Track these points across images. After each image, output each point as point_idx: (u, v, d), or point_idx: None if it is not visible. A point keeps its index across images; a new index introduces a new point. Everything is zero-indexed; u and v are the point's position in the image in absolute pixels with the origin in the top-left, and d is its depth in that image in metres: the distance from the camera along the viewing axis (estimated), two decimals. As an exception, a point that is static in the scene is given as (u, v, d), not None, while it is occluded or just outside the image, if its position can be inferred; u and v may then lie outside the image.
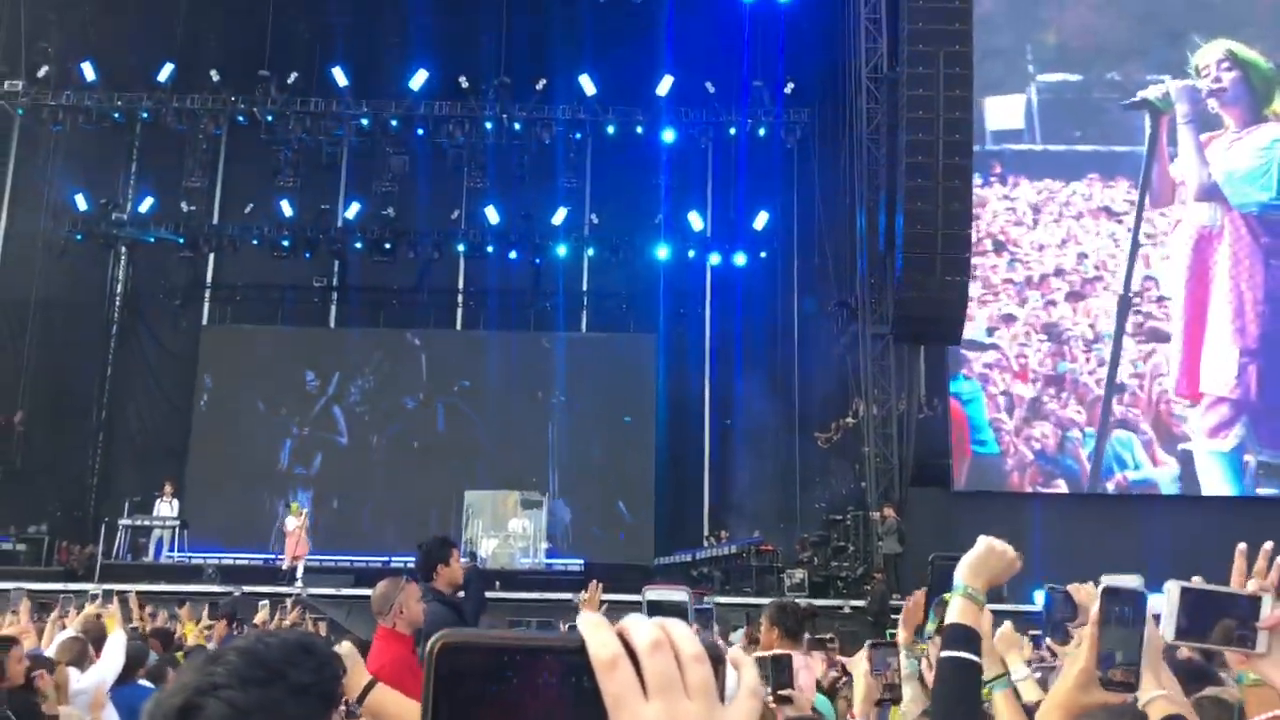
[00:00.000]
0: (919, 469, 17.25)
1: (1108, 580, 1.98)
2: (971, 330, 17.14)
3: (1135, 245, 17.84)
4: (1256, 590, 1.74)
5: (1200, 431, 17.19)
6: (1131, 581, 1.99)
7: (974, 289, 16.75)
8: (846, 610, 15.17)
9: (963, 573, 2.08)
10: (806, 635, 4.77)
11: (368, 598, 4.95)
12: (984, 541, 2.13)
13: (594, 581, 4.93)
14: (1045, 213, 18.28)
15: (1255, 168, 17.66)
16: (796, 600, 4.45)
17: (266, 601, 11.55)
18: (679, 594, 2.20)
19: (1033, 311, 18.14)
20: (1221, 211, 17.61)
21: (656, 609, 2.18)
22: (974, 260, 16.52)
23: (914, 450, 17.15)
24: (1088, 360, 17.78)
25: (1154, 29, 18.28)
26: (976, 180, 16.93)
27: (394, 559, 18.44)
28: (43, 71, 21.08)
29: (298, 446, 24.02)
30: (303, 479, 23.55)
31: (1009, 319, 18.17)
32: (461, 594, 14.66)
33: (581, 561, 19.91)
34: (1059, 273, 18.18)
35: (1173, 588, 1.78)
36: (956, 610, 2.06)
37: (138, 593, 10.94)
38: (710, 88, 21.24)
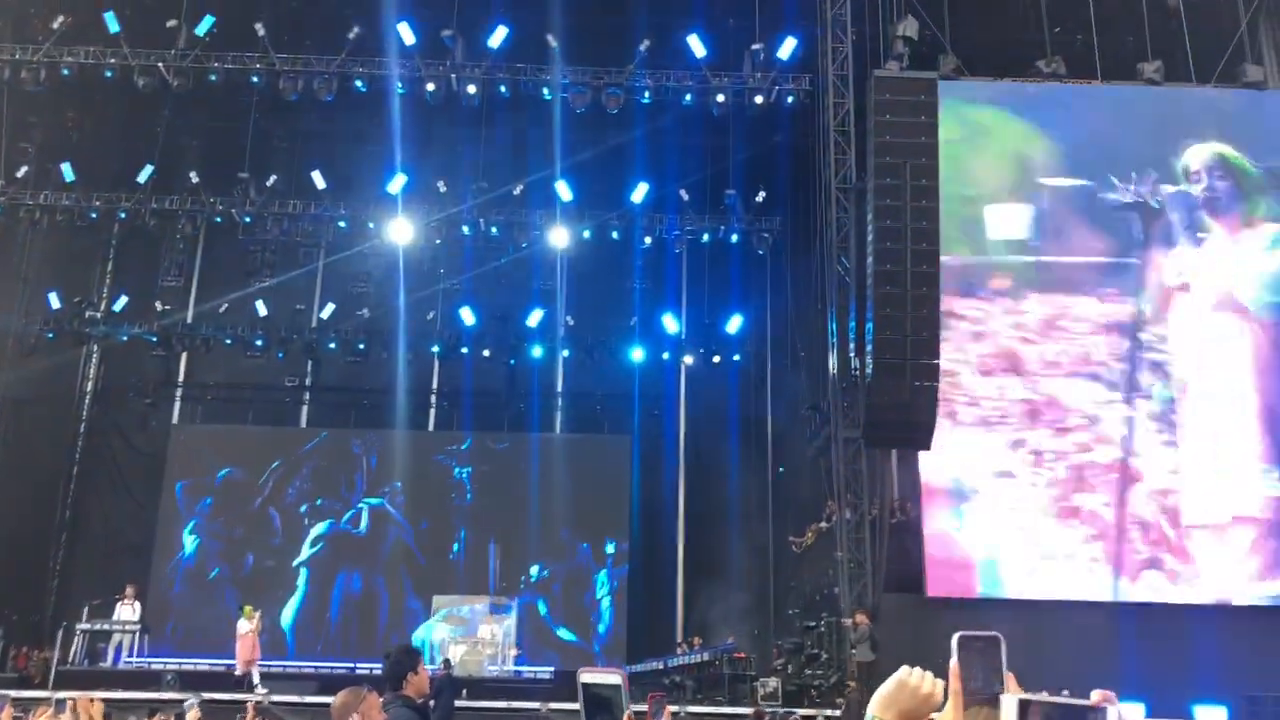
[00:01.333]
0: (892, 574, 17.15)
1: (961, 632, 1.95)
2: (984, 455, 16.71)
3: (1137, 356, 17.34)
4: (1100, 701, 1.68)
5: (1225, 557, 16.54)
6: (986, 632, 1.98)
7: (979, 411, 16.66)
8: (820, 720, 14.90)
9: (874, 703, 1.98)
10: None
11: (326, 705, 4.84)
12: (901, 672, 2.00)
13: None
14: (1055, 328, 17.57)
15: (1266, 270, 17.52)
16: (775, 711, 4.36)
17: (194, 702, 11.26)
18: (613, 677, 2.17)
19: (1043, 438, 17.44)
20: (1238, 318, 17.38)
21: (590, 692, 2.16)
22: (984, 379, 16.47)
23: (887, 555, 17.06)
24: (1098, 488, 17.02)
25: (1158, 133, 18.33)
26: (979, 294, 16.91)
27: (359, 665, 18.04)
28: (21, 171, 21.25)
29: (261, 549, 23.63)
30: (267, 583, 23.10)
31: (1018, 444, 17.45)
32: (431, 701, 14.31)
33: (551, 669, 19.54)
34: (1069, 392, 17.42)
35: (1009, 702, 1.69)
36: None
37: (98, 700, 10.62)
38: (684, 195, 21.68)
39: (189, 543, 23.41)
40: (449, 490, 23.88)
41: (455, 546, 23.44)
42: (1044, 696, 1.73)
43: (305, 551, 23.44)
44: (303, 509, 23.82)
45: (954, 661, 1.84)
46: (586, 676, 2.14)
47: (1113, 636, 14.96)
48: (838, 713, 14.81)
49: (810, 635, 17.65)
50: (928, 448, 16.36)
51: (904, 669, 1.97)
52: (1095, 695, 1.72)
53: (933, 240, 15.78)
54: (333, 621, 22.67)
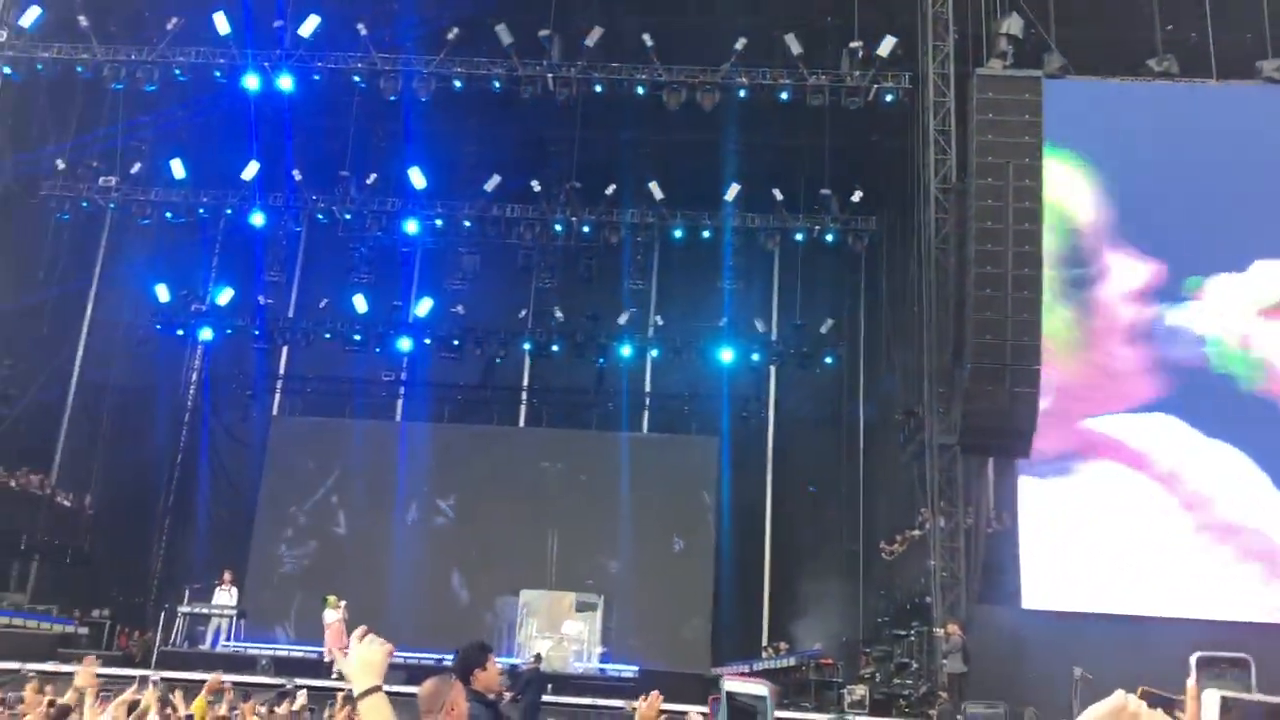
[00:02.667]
0: (986, 585, 16.72)
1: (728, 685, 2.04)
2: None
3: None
4: None
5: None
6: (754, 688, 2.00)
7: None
8: (910, 731, 14.58)
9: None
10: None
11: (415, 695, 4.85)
12: (1118, 698, 1.86)
13: (655, 693, 4.73)
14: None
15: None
16: None
17: (300, 687, 11.44)
18: (759, 688, 2.05)
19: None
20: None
21: (734, 702, 2.04)
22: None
23: (981, 565, 16.64)
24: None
25: None
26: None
27: (446, 657, 18.23)
28: (135, 168, 22.01)
29: (355, 539, 24.09)
30: (360, 572, 23.52)
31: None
32: (519, 695, 14.34)
33: (636, 668, 19.52)
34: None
35: (1211, 697, 1.60)
36: None
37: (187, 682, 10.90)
38: (778, 194, 21.44)
39: (283, 532, 23.99)
40: (534, 487, 24.02)
41: (539, 542, 23.55)
42: (1251, 695, 1.61)
43: (392, 541, 23.82)
44: (391, 500, 24.20)
45: (1191, 682, 1.72)
46: (731, 685, 2.05)
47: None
48: (928, 724, 14.48)
49: (900, 644, 17.32)
50: (1027, 455, 15.91)
51: (1121, 693, 1.81)
52: None
53: (1035, 243, 15.37)
54: (410, 611, 22.89)
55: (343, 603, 17.88)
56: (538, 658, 16.50)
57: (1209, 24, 17.59)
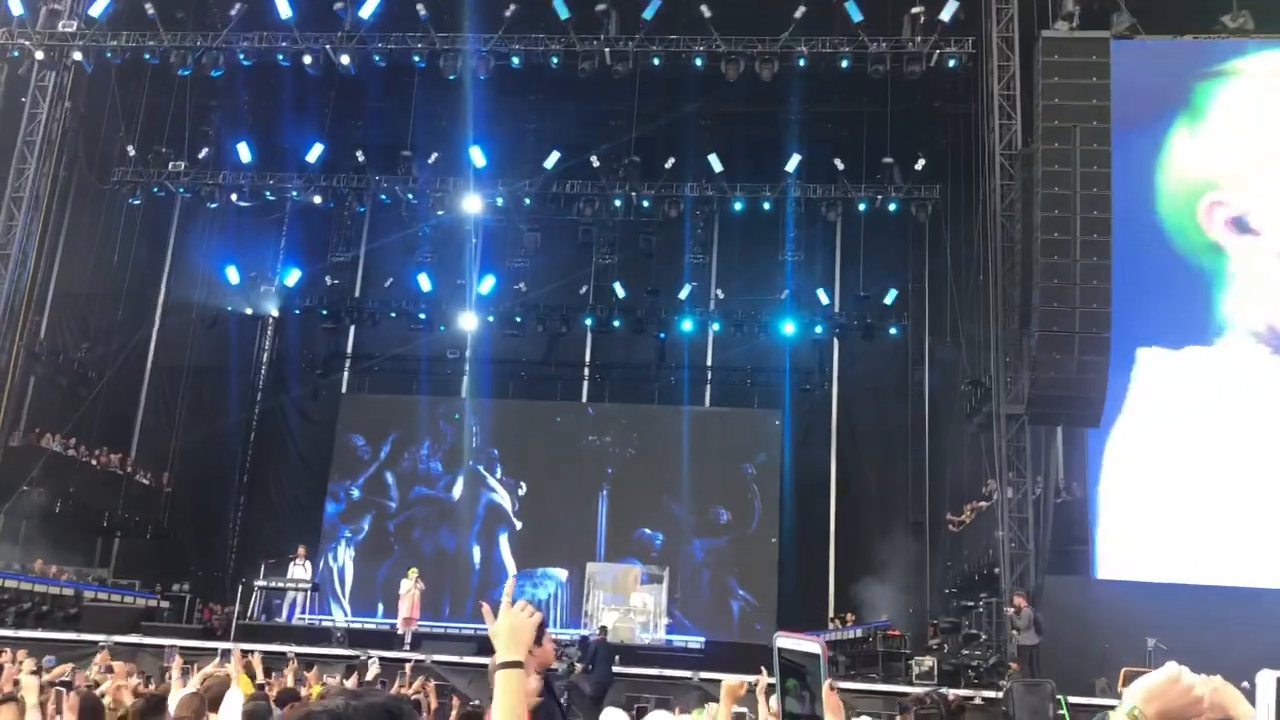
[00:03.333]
0: (1056, 555, 16.51)
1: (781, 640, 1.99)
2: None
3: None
4: None
5: None
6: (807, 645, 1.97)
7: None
8: (978, 701, 14.48)
9: (1136, 692, 1.81)
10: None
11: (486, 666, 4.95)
12: (1172, 669, 1.84)
13: (747, 680, 4.64)
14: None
15: None
16: (943, 691, 4.15)
17: (374, 657, 11.70)
18: (813, 645, 2.02)
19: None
20: None
21: (785, 659, 2.02)
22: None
23: (1051, 536, 16.43)
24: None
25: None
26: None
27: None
28: (203, 153, 22.44)
29: (428, 514, 24.48)
30: (426, 545, 23.92)
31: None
32: (590, 666, 14.50)
33: (702, 639, 19.62)
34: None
35: (1267, 679, 1.59)
36: None
37: (265, 654, 11.20)
38: (839, 164, 21.21)
39: (352, 509, 24.49)
40: (597, 461, 24.17)
41: (602, 516, 23.71)
42: None
43: (456, 516, 24.17)
44: (456, 475, 24.54)
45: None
46: (783, 641, 2.01)
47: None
48: (997, 694, 14.37)
49: (969, 615, 17.20)
50: (1097, 425, 15.68)
51: (1173, 665, 1.79)
52: None
53: (1104, 208, 15.06)
54: (470, 584, 23.22)
55: (413, 572, 18.20)
56: (604, 629, 16.66)
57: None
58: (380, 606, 22.78)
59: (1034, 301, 15.40)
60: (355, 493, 24.55)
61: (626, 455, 24.18)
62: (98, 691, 6.83)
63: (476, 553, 23.83)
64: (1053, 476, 17.44)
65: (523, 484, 24.33)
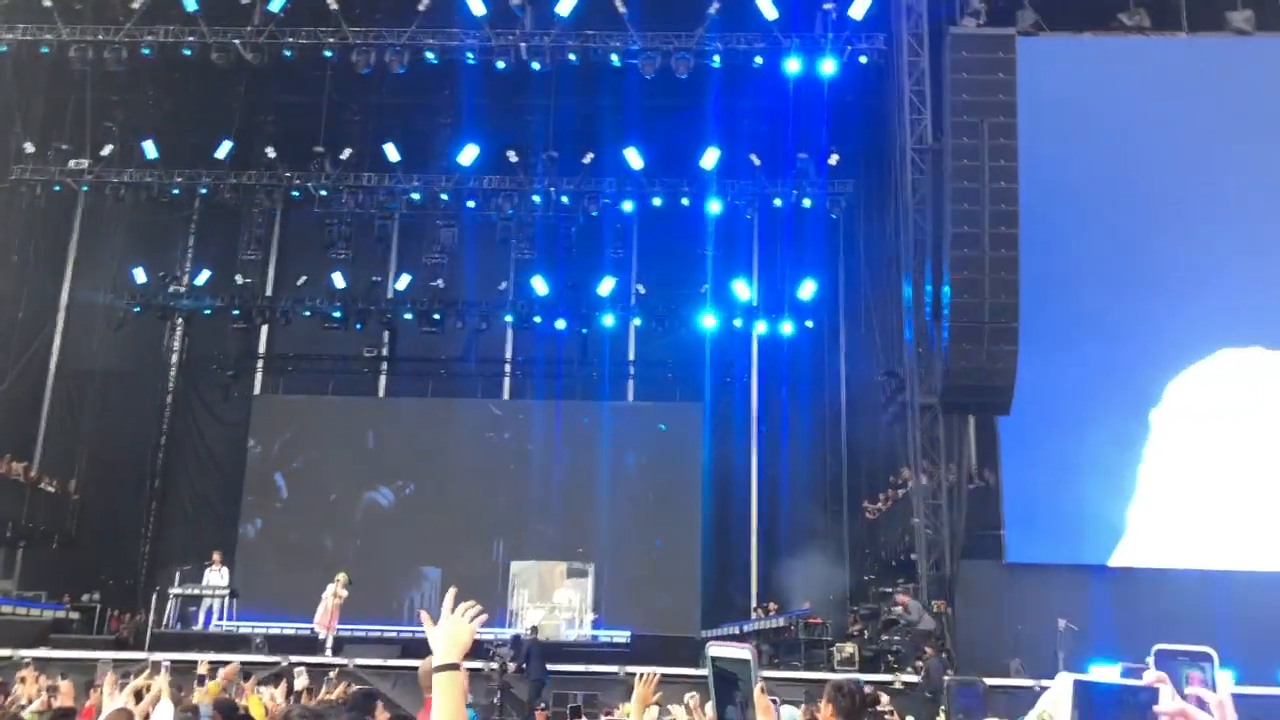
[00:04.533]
0: (970, 541, 16.95)
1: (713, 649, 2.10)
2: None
3: None
4: (1154, 681, 1.65)
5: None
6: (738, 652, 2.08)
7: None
8: (898, 685, 14.81)
9: (1044, 700, 1.94)
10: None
11: (413, 669, 4.94)
12: (1066, 678, 1.94)
13: (654, 673, 4.76)
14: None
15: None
16: (857, 680, 4.28)
17: (300, 668, 11.53)
18: (743, 652, 2.09)
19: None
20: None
21: (718, 667, 2.08)
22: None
23: (965, 522, 16.86)
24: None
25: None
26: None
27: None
28: (106, 150, 21.77)
29: (340, 517, 24.15)
30: (348, 549, 23.60)
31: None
32: (523, 665, 14.45)
33: (628, 633, 19.71)
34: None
35: (1063, 681, 1.67)
36: None
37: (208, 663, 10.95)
38: (755, 160, 21.44)
39: (268, 510, 24.06)
40: (520, 458, 24.10)
41: (525, 513, 23.65)
42: (1097, 677, 1.68)
43: (376, 518, 23.89)
44: (375, 476, 24.26)
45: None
46: (715, 650, 2.07)
47: (1207, 605, 14.62)
48: (916, 678, 14.72)
49: (887, 601, 17.54)
50: (1007, 413, 16.10)
51: (1067, 675, 1.88)
52: (1148, 675, 1.67)
53: (1012, 201, 15.44)
54: (398, 586, 23.05)
55: (341, 577, 17.90)
56: (534, 629, 16.63)
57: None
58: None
59: (945, 294, 15.75)
60: (284, 496, 24.15)
61: (550, 451, 24.11)
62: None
63: (416, 556, 23.51)
64: (965, 464, 17.87)
65: (445, 481, 24.12)
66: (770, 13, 18.69)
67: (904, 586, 16.38)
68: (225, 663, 8.29)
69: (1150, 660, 1.76)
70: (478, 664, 13.97)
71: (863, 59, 18.78)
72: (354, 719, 5.49)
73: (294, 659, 14.42)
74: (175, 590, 18.60)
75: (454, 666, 2.50)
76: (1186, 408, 16.75)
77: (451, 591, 2.56)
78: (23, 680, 9.19)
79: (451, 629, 2.54)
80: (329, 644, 17.00)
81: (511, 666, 14.83)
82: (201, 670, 7.34)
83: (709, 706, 2.20)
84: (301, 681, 10.43)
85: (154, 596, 18.63)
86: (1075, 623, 14.60)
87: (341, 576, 17.93)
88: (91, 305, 23.08)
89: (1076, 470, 16.66)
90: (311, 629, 17.97)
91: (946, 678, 14.05)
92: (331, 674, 13.23)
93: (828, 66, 18.92)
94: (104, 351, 23.05)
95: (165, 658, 8.52)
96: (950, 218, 15.65)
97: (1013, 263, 15.34)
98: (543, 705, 14.04)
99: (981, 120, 15.68)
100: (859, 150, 21.27)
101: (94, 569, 21.99)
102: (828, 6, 18.86)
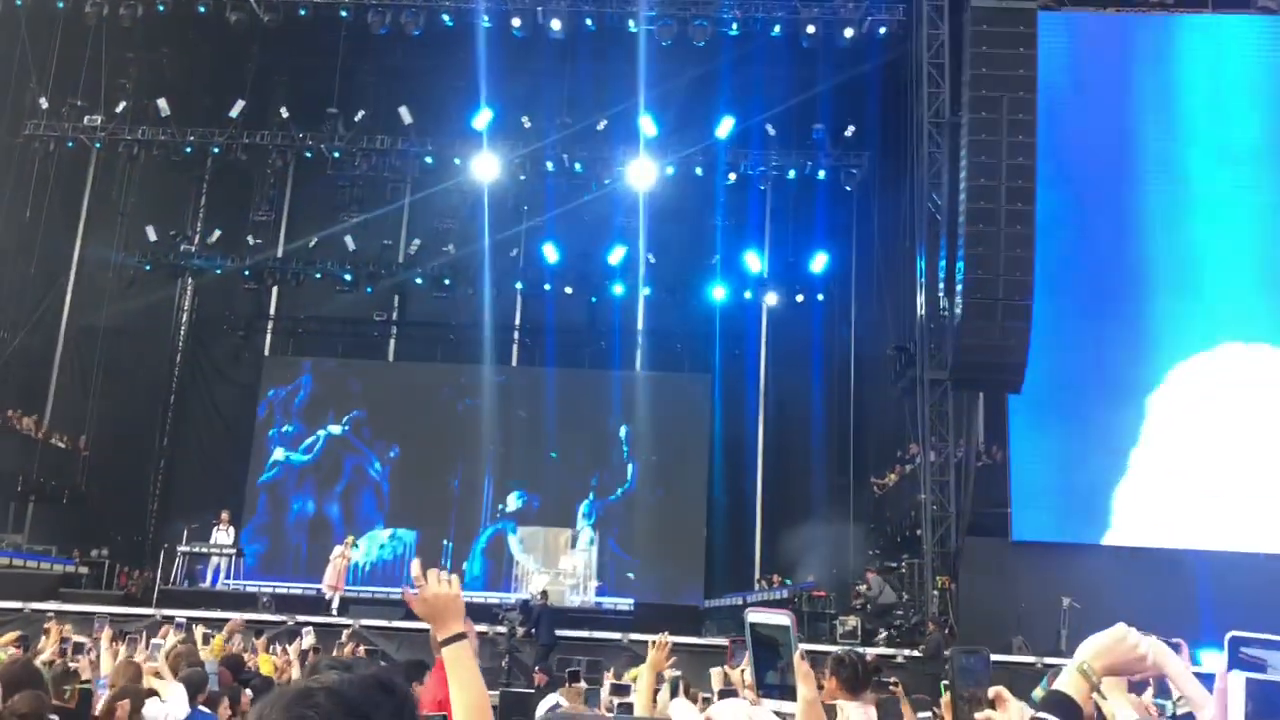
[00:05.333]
0: (977, 518, 16.95)
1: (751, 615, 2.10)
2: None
3: None
4: None
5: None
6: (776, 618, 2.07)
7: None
8: (899, 659, 14.87)
9: (1087, 649, 1.94)
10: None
11: (419, 631, 4.95)
12: (1120, 629, 1.95)
13: (665, 639, 4.76)
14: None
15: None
16: (860, 651, 4.28)
17: (309, 628, 11.60)
18: (783, 618, 2.10)
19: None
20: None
21: (757, 633, 2.08)
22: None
23: (972, 499, 16.85)
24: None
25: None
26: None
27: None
28: (120, 107, 21.69)
29: (353, 479, 24.22)
30: (355, 510, 23.71)
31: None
32: (533, 630, 14.57)
33: (632, 601, 19.79)
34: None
35: (1236, 680, 1.57)
36: (1067, 680, 1.94)
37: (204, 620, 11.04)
38: (770, 130, 21.27)
39: (274, 471, 24.15)
40: (529, 424, 24.09)
41: (531, 478, 23.68)
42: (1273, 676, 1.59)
43: (383, 480, 23.97)
44: (383, 439, 24.30)
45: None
46: (755, 616, 2.08)
47: (1208, 585, 14.63)
48: (917, 653, 14.77)
49: (892, 576, 17.59)
50: (1018, 390, 16.05)
51: (1121, 626, 1.94)
52: None
53: (1029, 177, 15.34)
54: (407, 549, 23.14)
55: (348, 540, 18.03)
56: (544, 594, 16.70)
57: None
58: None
59: (959, 269, 15.67)
60: (292, 458, 24.20)
61: (559, 419, 24.09)
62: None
63: (423, 517, 23.60)
64: (974, 440, 17.85)
65: (452, 445, 24.13)
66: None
67: (870, 569, 16.47)
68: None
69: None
70: (483, 627, 14.05)
71: (881, 30, 18.59)
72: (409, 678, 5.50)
73: (300, 618, 14.53)
74: (183, 548, 18.71)
75: (461, 636, 2.43)
76: (1190, 393, 16.69)
77: (416, 562, 2.45)
78: (47, 632, 9.22)
79: (441, 596, 2.45)
80: (334, 604, 17.13)
81: (520, 631, 14.92)
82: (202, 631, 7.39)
83: (747, 671, 2.22)
84: (309, 640, 10.49)
85: (162, 553, 18.71)
86: (1079, 601, 14.62)
87: (350, 538, 18.10)
88: (103, 262, 23.06)
89: (1084, 449, 16.64)
90: (318, 589, 18.10)
91: (948, 652, 14.09)
92: (345, 634, 13.36)
93: (845, 37, 18.71)
94: (115, 309, 23.05)
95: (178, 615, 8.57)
96: (966, 192, 15.55)
97: (1028, 239, 15.27)
98: (545, 668, 14.14)
99: (1001, 95, 15.55)
100: (874, 123, 21.07)
101: (103, 525, 22.13)
102: (848, -25, 18.66)
